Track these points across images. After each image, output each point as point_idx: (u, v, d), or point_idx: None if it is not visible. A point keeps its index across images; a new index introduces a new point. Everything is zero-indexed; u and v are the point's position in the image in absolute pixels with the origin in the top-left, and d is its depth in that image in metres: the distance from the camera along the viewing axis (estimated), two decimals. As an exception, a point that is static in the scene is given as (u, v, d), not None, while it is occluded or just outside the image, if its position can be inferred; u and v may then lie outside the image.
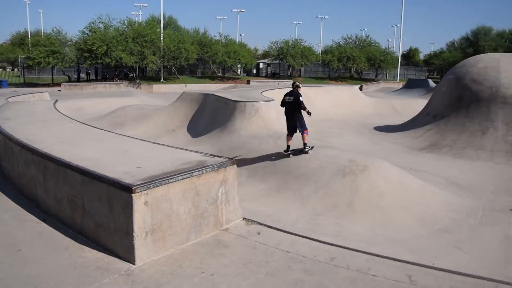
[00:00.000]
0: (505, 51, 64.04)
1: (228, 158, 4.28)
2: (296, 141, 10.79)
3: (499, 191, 11.13)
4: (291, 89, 10.65)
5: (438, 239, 7.95)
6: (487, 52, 39.02)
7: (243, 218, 4.55)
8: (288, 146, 10.39)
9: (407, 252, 7.15)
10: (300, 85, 10.79)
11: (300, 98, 10.30)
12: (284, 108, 10.51)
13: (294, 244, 4.06)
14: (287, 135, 10.48)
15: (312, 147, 10.57)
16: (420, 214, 8.88)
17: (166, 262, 3.66)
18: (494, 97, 15.84)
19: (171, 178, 3.72)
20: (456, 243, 7.80)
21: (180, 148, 4.92)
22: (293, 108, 10.32)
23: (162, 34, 43.37)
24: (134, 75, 43.04)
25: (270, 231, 4.36)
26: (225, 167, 4.18)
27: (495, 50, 63.14)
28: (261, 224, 4.46)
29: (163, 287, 3.30)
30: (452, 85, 17.76)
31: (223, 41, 53.06)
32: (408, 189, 9.61)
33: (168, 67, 45.62)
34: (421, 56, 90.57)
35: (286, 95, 10.47)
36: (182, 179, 3.80)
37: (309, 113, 10.59)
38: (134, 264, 3.60)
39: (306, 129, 10.46)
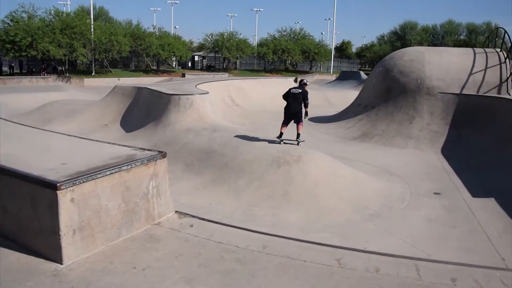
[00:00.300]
0: (429, 45, 67.71)
1: (158, 151, 4.23)
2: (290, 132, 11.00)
3: (424, 176, 11.82)
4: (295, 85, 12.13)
5: (370, 224, 8.33)
6: (413, 46, 40.97)
7: (176, 212, 4.52)
8: (281, 133, 11.05)
9: (340, 237, 7.44)
10: (308, 83, 11.74)
11: (308, 94, 11.13)
12: (288, 99, 11.08)
13: (226, 235, 4.09)
14: (283, 123, 11.15)
15: (303, 141, 11.28)
16: (352, 200, 9.25)
17: (96, 260, 3.57)
18: (419, 88, 16.75)
19: (99, 174, 3.62)
20: (386, 227, 8.21)
21: (108, 143, 4.80)
22: (299, 100, 10.95)
23: (92, 26, 41.66)
24: (63, 68, 41.06)
25: (203, 223, 4.37)
26: (155, 161, 4.13)
27: (420, 43, 66.57)
28: (193, 216, 4.46)
29: (93, 285, 3.21)
30: (381, 77, 18.54)
31: (157, 33, 51.97)
32: (341, 177, 9.96)
33: (100, 60, 43.95)
34: (354, 49, 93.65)
35: (292, 87, 11.33)
36: (111, 174, 3.71)
37: (306, 113, 11.20)
38: (61, 263, 3.48)
39: (302, 121, 11.17)
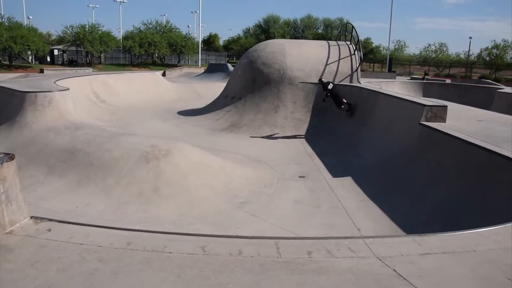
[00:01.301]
0: (291, 38, 71.46)
1: (4, 153, 3.89)
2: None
3: (289, 161, 12.54)
4: None
5: (240, 211, 8.63)
6: (277, 38, 42.81)
7: (31, 217, 4.20)
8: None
9: (212, 227, 7.60)
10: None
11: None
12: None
13: (89, 236, 3.93)
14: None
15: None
16: (222, 190, 9.47)
17: None
18: (282, 78, 17.64)
19: None
20: (256, 212, 8.57)
21: None
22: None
23: None
24: None
25: (62, 226, 4.13)
26: (1, 164, 3.79)
27: (283, 36, 70.00)
28: (51, 220, 4.19)
29: None
30: (246, 68, 19.13)
31: (6, 23, 47.11)
32: (210, 168, 10.13)
33: None
34: (221, 42, 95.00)
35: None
36: None
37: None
38: None
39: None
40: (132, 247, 3.73)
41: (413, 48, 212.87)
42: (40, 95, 12.71)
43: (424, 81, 35.25)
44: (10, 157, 3.87)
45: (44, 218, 4.21)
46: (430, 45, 79.90)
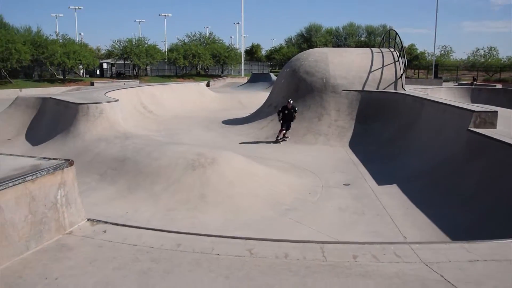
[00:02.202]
0: (333, 46, 71.10)
1: (64, 159, 4.16)
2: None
3: (334, 169, 12.52)
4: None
5: (285, 218, 8.70)
6: (319, 47, 42.71)
7: (88, 219, 4.46)
8: (279, 136, 16.25)
9: (257, 234, 7.69)
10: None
11: (296, 108, 16.27)
12: (282, 114, 15.98)
13: (141, 237, 4.13)
14: (281, 130, 16.10)
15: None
16: (267, 197, 9.58)
17: (3, 275, 3.44)
18: (325, 87, 17.63)
19: (1, 186, 3.50)
20: (300, 219, 8.62)
21: (11, 155, 4.61)
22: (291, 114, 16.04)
23: (-16, 33, 38.63)
24: (-45, 81, 37.76)
25: (117, 228, 4.36)
26: (62, 169, 4.06)
27: (325, 45, 69.73)
28: (106, 222, 4.43)
29: (1, 301, 3.12)
30: (289, 77, 19.24)
31: (61, 40, 49.41)
32: (255, 176, 10.27)
33: (-3, 70, 40.91)
34: (263, 52, 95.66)
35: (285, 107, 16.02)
36: (14, 185, 3.59)
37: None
38: (-35, 284, 3.32)
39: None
40: (182, 248, 3.89)
41: (460, 53, 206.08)
42: (92, 106, 13.31)
43: (473, 86, 34.16)
44: (69, 163, 4.13)
45: (100, 221, 4.45)
46: (478, 49, 77.03)
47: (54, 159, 4.27)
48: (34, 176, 3.79)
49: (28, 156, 4.52)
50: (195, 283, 3.30)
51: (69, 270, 3.51)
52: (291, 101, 15.95)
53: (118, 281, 3.34)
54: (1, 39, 38.81)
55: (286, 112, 15.69)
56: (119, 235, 4.16)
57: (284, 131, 15.94)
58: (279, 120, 15.88)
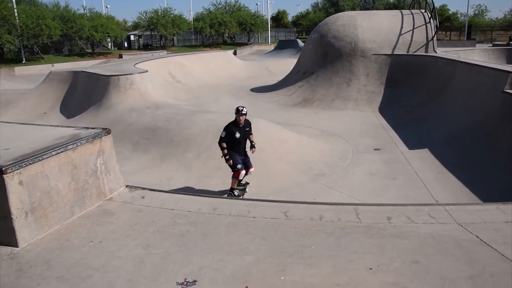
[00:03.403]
0: (361, 9, 69.23)
1: (102, 128, 4.29)
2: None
3: (364, 134, 12.42)
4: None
5: (316, 183, 8.76)
6: (347, 11, 41.73)
7: (126, 186, 4.62)
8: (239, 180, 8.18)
9: (289, 197, 7.79)
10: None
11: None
12: (230, 140, 7.79)
13: (178, 202, 4.26)
14: (237, 170, 7.81)
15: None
16: (298, 163, 9.63)
17: (51, 239, 3.64)
18: (354, 51, 17.32)
19: (45, 155, 3.65)
20: (331, 184, 8.67)
21: (51, 125, 4.78)
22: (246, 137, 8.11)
23: (15, 10, 39.19)
24: (-12, 58, 38.68)
25: (154, 194, 4.51)
26: (100, 138, 4.19)
27: (352, 8, 67.90)
28: (144, 188, 4.58)
29: (51, 262, 3.30)
30: (317, 43, 18.95)
31: (88, 14, 49.76)
32: (285, 142, 10.31)
33: (29, 46, 41.59)
34: (290, 18, 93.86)
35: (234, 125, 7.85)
36: (57, 154, 3.75)
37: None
38: (17, 246, 3.52)
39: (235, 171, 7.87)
40: (219, 212, 4.01)
41: (496, 12, 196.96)
42: (122, 78, 13.49)
43: (509, 47, 32.82)
44: (107, 131, 4.27)
45: (138, 187, 4.61)
46: (516, 6, 73.31)
47: (92, 128, 4.41)
48: (75, 145, 3.94)
49: (67, 126, 4.68)
50: (232, 244, 3.42)
51: (112, 234, 3.68)
52: (245, 110, 7.80)
53: (158, 243, 3.48)
54: (32, 15, 39.27)
55: (237, 135, 7.76)
56: (157, 200, 4.31)
57: (245, 170, 7.90)
58: (224, 155, 7.79)
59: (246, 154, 8.10)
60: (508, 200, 6.48)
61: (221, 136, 7.75)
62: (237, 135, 7.71)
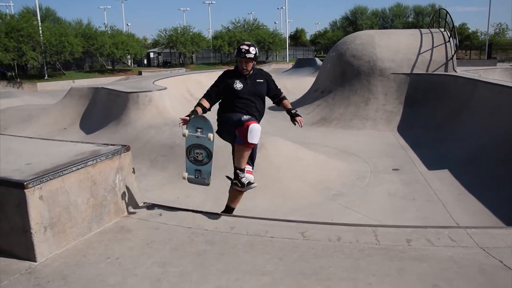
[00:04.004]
0: (379, 28, 69.34)
1: (121, 145, 4.33)
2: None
3: (382, 154, 12.30)
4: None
5: (334, 203, 8.67)
6: (365, 30, 41.85)
7: (144, 203, 4.64)
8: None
9: (306, 217, 7.71)
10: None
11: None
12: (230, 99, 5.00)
13: (195, 220, 4.26)
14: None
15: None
16: (315, 182, 9.57)
17: (69, 254, 3.66)
18: (372, 70, 17.28)
19: (65, 170, 3.70)
20: (349, 204, 8.57)
21: (72, 141, 4.85)
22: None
23: (40, 27, 40.29)
24: (13, 73, 39.68)
25: (171, 211, 4.52)
26: (120, 154, 4.23)
27: (371, 27, 68.06)
28: (161, 206, 4.60)
29: (68, 278, 3.31)
30: (335, 61, 18.97)
31: (109, 32, 50.91)
32: (302, 161, 10.27)
33: (52, 63, 42.65)
34: (308, 36, 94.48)
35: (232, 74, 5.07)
36: (77, 169, 3.79)
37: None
38: (35, 261, 3.55)
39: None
40: (236, 231, 3.99)
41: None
42: (141, 95, 13.67)
43: (531, 67, 32.36)
44: (126, 148, 4.31)
45: (156, 204, 4.63)
46: (538, 25, 72.59)
47: (112, 145, 4.46)
48: (95, 161, 3.98)
49: (87, 142, 4.74)
50: (249, 264, 3.39)
51: (129, 251, 3.68)
52: (253, 49, 4.81)
53: (175, 262, 3.47)
54: (55, 33, 40.34)
55: (238, 86, 4.87)
56: (174, 218, 4.32)
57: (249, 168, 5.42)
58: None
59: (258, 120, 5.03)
60: (531, 224, 6.33)
61: (208, 89, 4.98)
62: (238, 86, 4.80)
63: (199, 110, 4.79)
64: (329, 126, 16.13)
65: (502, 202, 8.02)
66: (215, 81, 4.98)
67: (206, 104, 4.89)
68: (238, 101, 4.84)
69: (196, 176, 5.08)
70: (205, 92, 4.99)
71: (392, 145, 13.39)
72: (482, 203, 8.19)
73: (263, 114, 5.33)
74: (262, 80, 5.08)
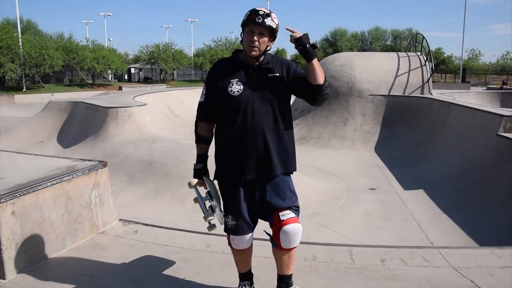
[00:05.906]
0: (358, 50, 70.64)
1: (98, 161, 4.30)
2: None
3: (359, 174, 12.43)
4: None
5: (311, 222, 8.68)
6: (344, 52, 42.56)
7: (120, 219, 4.59)
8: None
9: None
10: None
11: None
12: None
13: (171, 238, 4.23)
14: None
15: None
16: (292, 201, 9.57)
17: (41, 272, 3.59)
18: (351, 91, 17.54)
19: (39, 185, 3.65)
20: (326, 223, 8.61)
21: (48, 156, 4.80)
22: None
23: (20, 40, 39.83)
24: (-11, 85, 39.01)
25: (147, 228, 4.48)
26: (96, 170, 4.20)
27: (350, 49, 69.19)
28: (138, 223, 4.56)
29: (39, 296, 3.25)
30: (314, 81, 19.13)
31: (90, 46, 50.60)
32: (280, 180, 10.27)
33: (31, 75, 42.07)
34: (289, 56, 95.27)
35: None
36: (52, 185, 3.75)
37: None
38: (4, 279, 3.47)
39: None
40: (212, 249, 3.98)
41: (489, 57, 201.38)
42: (120, 110, 13.58)
43: (502, 90, 33.35)
44: (103, 164, 4.28)
45: (132, 221, 4.59)
46: (508, 52, 75.00)
47: (88, 160, 4.42)
48: (70, 177, 3.94)
49: (64, 157, 4.69)
50: (225, 283, 3.38)
51: (103, 268, 3.63)
52: (274, 16, 2.89)
53: (149, 280, 3.44)
54: (35, 45, 39.89)
55: (237, 89, 2.84)
56: (150, 235, 4.28)
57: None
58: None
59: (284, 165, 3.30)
60: (504, 244, 6.46)
61: (199, 102, 3.14)
62: (235, 87, 2.88)
63: (204, 148, 3.33)
64: (308, 145, 16.24)
65: (475, 222, 8.17)
66: (205, 82, 3.09)
67: (206, 133, 3.27)
68: (232, 124, 2.91)
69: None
70: (198, 105, 3.15)
71: (369, 165, 13.55)
72: (456, 223, 8.33)
73: (288, 147, 3.22)
74: (278, 74, 2.96)
